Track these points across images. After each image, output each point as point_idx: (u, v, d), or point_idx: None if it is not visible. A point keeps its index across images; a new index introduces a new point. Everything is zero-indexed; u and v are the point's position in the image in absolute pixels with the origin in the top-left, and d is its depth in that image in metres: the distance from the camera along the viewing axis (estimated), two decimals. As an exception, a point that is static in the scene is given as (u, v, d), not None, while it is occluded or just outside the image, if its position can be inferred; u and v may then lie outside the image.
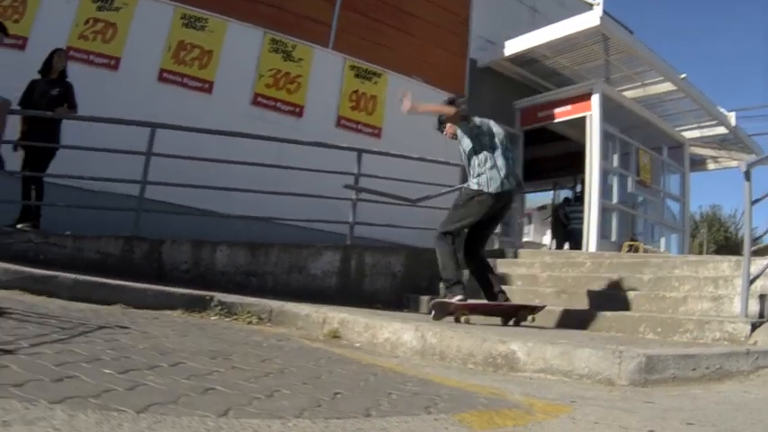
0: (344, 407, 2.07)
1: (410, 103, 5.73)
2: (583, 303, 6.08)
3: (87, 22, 9.68)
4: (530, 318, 5.49)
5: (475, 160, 5.71)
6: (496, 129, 5.93)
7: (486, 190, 5.54)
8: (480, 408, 2.29)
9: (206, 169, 7.67)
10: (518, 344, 3.29)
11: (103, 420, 1.66)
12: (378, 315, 4.95)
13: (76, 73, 8.04)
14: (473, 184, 5.65)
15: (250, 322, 4.79)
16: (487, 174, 5.61)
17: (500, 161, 5.69)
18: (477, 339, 3.48)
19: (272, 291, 6.73)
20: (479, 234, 5.82)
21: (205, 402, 1.92)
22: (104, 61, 9.58)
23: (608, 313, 5.29)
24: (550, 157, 15.76)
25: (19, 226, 7.39)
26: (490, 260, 6.27)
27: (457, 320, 5.18)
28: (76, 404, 1.78)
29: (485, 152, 5.72)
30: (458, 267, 5.54)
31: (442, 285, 5.79)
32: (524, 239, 18.17)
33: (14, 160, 7.53)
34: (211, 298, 5.09)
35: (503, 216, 6.03)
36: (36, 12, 9.41)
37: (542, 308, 5.57)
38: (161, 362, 2.58)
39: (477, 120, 5.93)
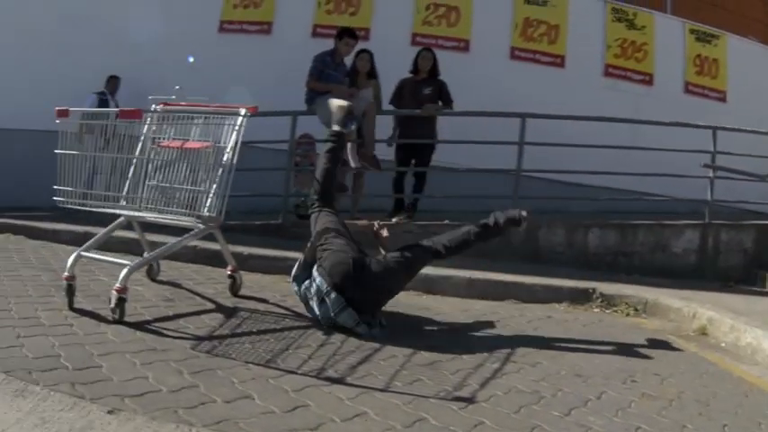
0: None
1: None
2: None
3: (428, 8, 10.78)
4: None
5: None
6: None
7: None
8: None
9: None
10: None
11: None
12: (735, 301, 5.62)
13: (427, 58, 8.57)
14: None
15: (628, 314, 5.60)
16: None
17: None
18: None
19: (639, 269, 7.45)
20: None
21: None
22: (454, 44, 10.67)
23: None
24: None
25: (394, 219, 7.95)
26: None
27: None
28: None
29: None
30: None
31: None
32: None
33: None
34: (594, 290, 5.90)
35: None
36: (373, 2, 10.59)
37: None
38: (588, 392, 3.30)
39: None
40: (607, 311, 5.70)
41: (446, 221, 7.59)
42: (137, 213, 4.69)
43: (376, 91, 8.34)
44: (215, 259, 5.63)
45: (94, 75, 10.17)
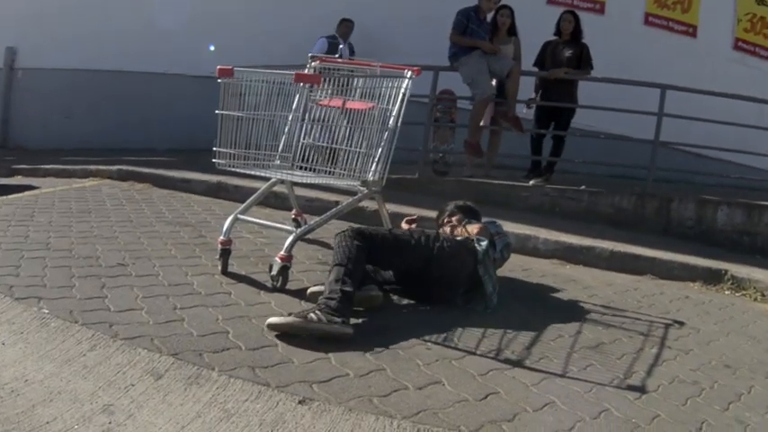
0: None
1: None
2: None
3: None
4: None
5: None
6: None
7: None
8: None
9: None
10: None
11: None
12: None
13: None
14: None
15: (756, 299, 5.88)
16: None
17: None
18: None
19: (761, 250, 7.71)
20: None
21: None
22: (590, 5, 10.81)
23: None
24: None
25: (532, 182, 8.27)
26: None
27: None
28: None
29: None
30: None
31: None
32: None
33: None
34: (726, 272, 6.14)
35: None
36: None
37: None
38: (739, 385, 3.46)
39: None
40: (737, 294, 6.02)
41: (583, 187, 8.02)
42: (296, 178, 4.56)
43: (516, 48, 8.58)
44: (356, 216, 5.63)
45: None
